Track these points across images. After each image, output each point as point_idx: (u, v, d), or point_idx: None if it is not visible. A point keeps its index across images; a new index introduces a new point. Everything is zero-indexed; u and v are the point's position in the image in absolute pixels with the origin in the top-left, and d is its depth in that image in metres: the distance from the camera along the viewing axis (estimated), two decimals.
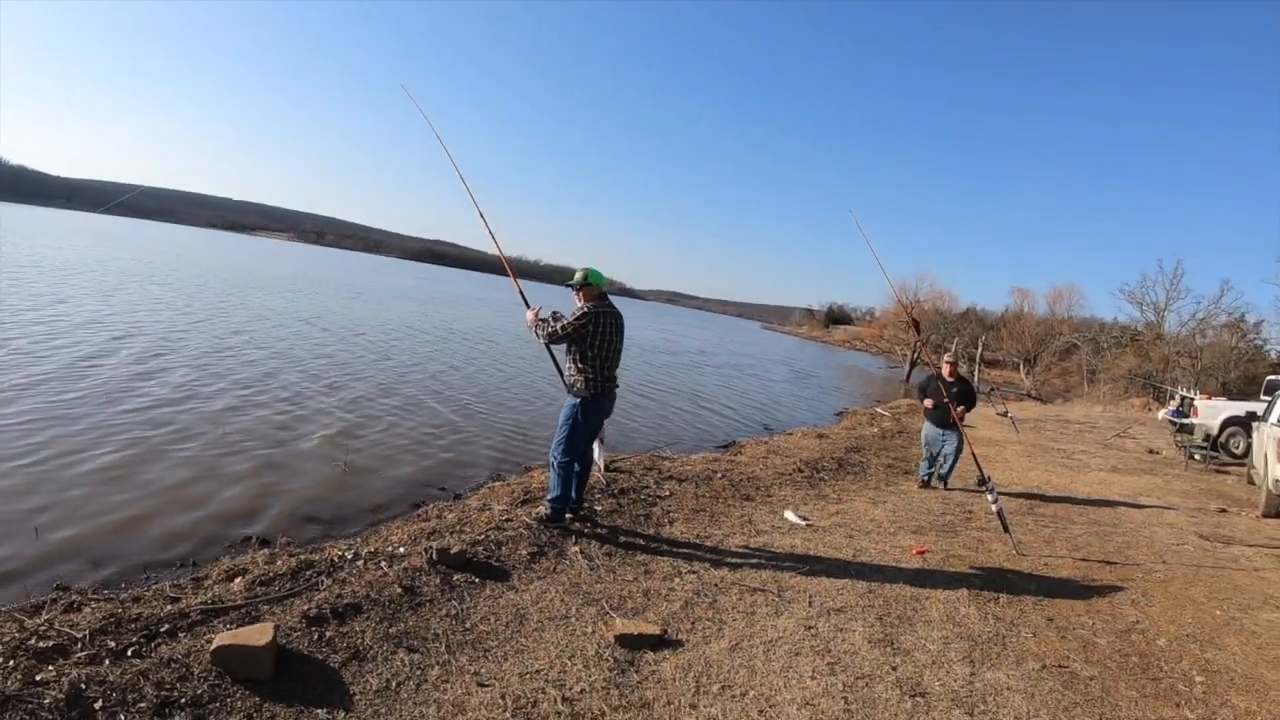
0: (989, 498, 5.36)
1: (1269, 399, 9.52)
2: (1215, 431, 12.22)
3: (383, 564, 3.68)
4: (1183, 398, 14.46)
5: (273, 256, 65.18)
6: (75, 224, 65.06)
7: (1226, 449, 12.03)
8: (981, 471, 5.70)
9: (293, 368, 9.90)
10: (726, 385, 18.54)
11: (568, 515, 4.53)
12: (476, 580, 3.60)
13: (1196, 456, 11.22)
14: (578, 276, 4.36)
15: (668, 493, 5.67)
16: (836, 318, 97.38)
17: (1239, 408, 12.57)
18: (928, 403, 7.15)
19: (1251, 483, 9.16)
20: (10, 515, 4.18)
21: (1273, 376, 13.78)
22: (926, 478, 7.38)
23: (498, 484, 5.66)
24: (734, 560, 4.38)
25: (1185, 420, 12.99)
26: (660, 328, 46.64)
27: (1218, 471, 10.94)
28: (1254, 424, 9.58)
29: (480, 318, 27.70)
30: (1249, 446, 10.41)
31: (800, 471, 7.52)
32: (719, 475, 6.62)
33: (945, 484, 7.19)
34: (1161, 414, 15.73)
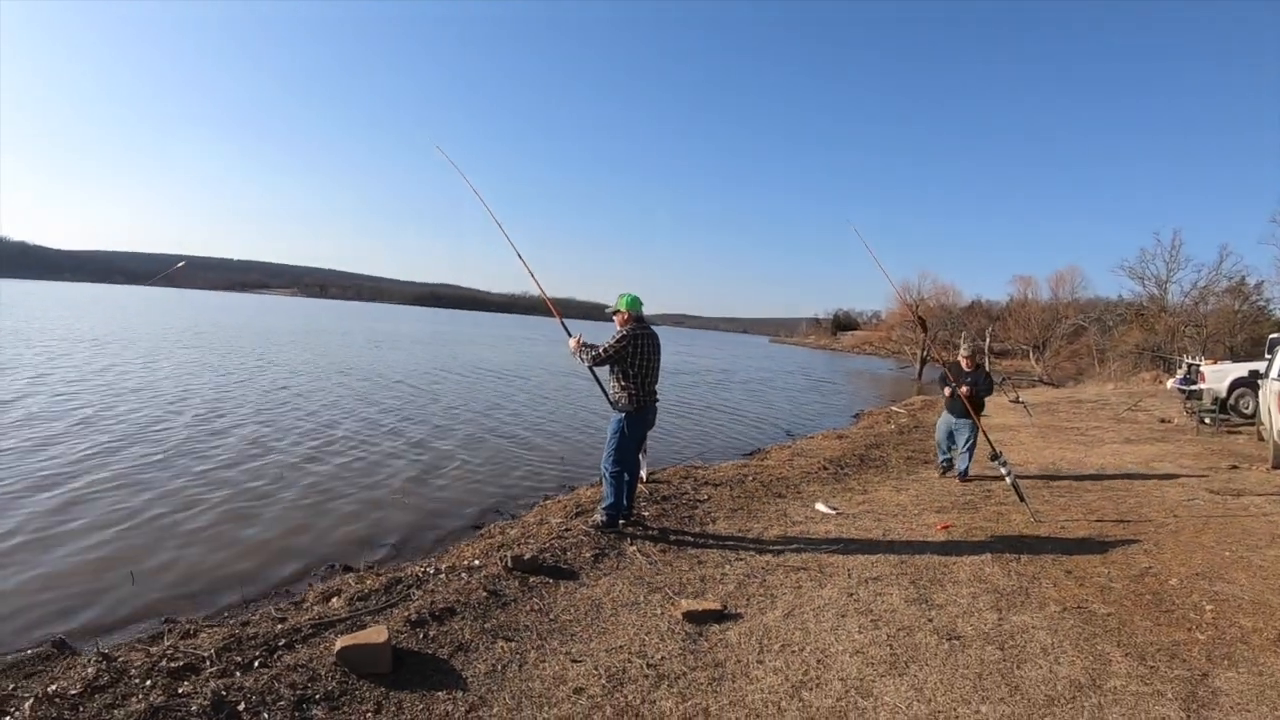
0: (1002, 470, 5.75)
1: (1270, 356, 9.84)
2: (1224, 394, 12.51)
3: (463, 575, 4.11)
4: (1189, 365, 14.74)
5: (284, 313, 66.27)
6: (87, 295, 66.92)
7: (1236, 410, 12.30)
8: (993, 447, 6.08)
9: (341, 416, 10.42)
10: (755, 398, 19.29)
11: (620, 521, 4.94)
12: (550, 581, 4.03)
13: (1207, 420, 11.52)
14: (616, 303, 4.82)
15: (706, 496, 6.09)
16: (843, 324, 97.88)
17: (1245, 368, 12.85)
18: (946, 390, 7.23)
19: (1261, 439, 9.47)
20: (108, 566, 4.61)
21: (1275, 334, 14.05)
22: (945, 463, 7.53)
23: (549, 502, 6.11)
24: (775, 547, 4.80)
25: (1193, 387, 13.29)
26: (676, 350, 47.14)
27: (1229, 433, 11.23)
28: (1258, 381, 9.90)
29: (505, 356, 28.34)
30: (1258, 405, 10.69)
31: (825, 469, 7.92)
32: (750, 478, 7.04)
33: (963, 477, 7.19)
34: (1170, 383, 16.01)
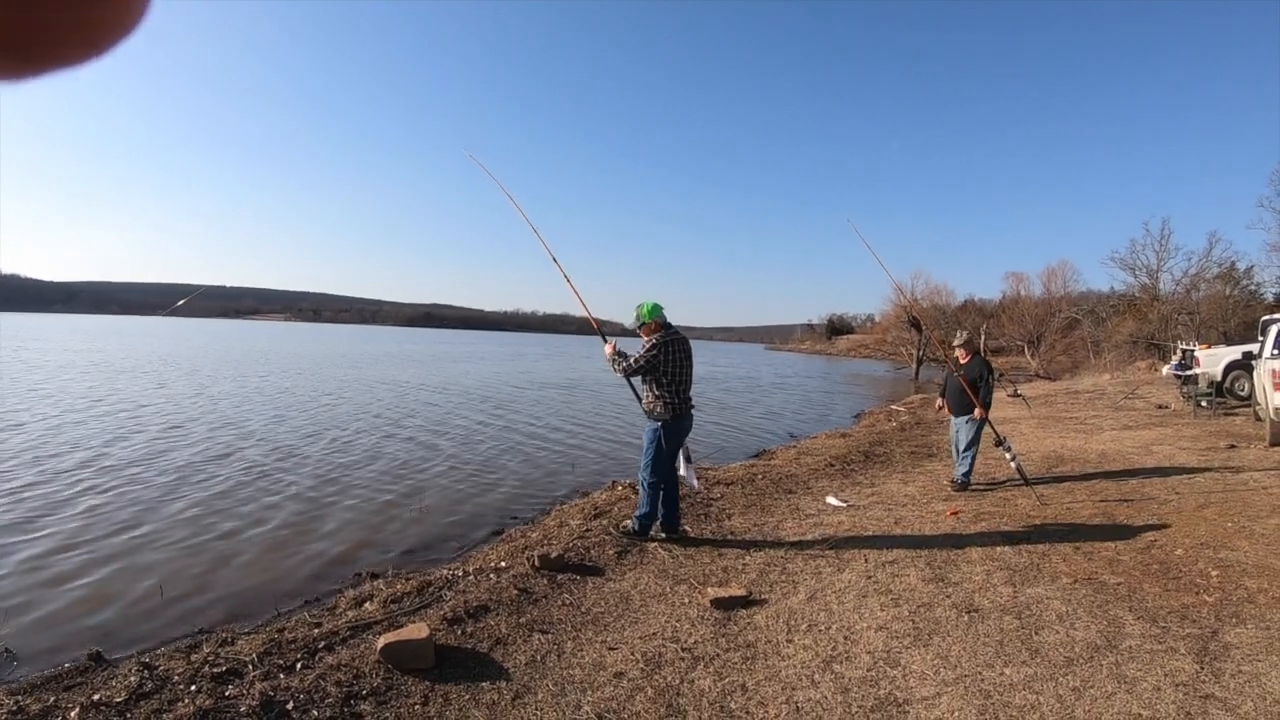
0: (1007, 456, 5.90)
1: (1263, 338, 10.03)
2: (1219, 378, 12.71)
3: (492, 575, 4.23)
4: (1184, 351, 14.95)
5: (293, 338, 65.73)
6: (93, 326, 66.85)
7: (1232, 393, 12.50)
8: (996, 433, 6.22)
9: (343, 430, 10.48)
10: (800, 400, 20.67)
11: (662, 534, 4.85)
12: (578, 577, 4.15)
13: (1203, 404, 11.70)
14: (638, 314, 4.69)
15: (719, 495, 6.23)
16: (837, 328, 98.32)
17: (1238, 351, 13.06)
18: (938, 404, 6.90)
19: (1258, 419, 9.65)
20: (136, 582, 4.66)
21: (1267, 316, 14.29)
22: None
23: (566, 506, 6.23)
24: (792, 538, 4.93)
25: (1189, 372, 13.49)
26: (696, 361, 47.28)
27: (1226, 415, 11.42)
28: (1253, 363, 10.10)
29: (537, 371, 28.65)
30: (1253, 387, 10.88)
31: (832, 466, 8.06)
32: (760, 477, 7.17)
33: (960, 485, 6.53)
34: (1165, 370, 16.22)
